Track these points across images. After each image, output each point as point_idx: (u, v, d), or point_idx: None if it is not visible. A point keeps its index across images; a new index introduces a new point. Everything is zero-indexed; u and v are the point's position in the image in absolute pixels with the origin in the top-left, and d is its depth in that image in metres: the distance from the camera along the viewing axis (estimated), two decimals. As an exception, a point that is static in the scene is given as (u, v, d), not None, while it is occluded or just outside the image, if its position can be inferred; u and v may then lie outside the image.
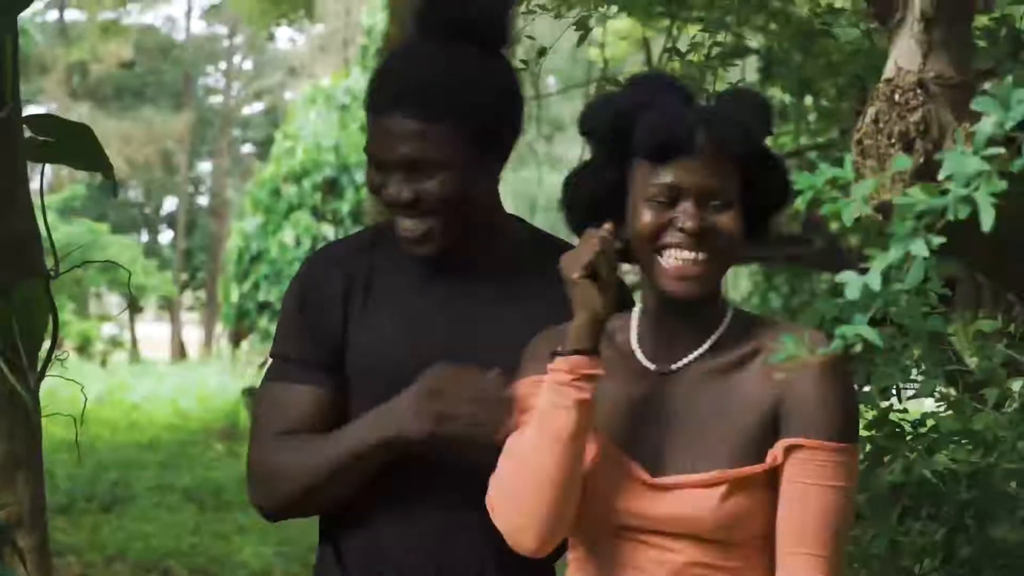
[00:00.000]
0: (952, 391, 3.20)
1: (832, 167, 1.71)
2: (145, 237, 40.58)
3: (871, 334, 1.64)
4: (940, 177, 1.67)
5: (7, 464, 3.27)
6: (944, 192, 1.63)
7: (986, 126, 1.70)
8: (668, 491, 2.14)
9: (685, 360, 2.20)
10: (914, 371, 3.06)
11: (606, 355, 2.17)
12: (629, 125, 2.15)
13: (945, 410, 3.16)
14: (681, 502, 2.13)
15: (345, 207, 21.45)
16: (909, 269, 1.65)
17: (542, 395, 2.14)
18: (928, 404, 3.23)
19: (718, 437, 2.15)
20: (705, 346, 2.20)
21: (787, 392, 2.13)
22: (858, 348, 1.64)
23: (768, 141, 2.23)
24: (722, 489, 2.12)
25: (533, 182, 23.02)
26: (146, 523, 9.94)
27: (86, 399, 3.14)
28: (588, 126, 2.23)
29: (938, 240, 1.62)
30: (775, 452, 2.13)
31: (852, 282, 1.66)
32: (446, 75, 2.39)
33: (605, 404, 2.18)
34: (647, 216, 2.13)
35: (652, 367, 2.22)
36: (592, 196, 2.21)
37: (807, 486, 2.11)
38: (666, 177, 2.12)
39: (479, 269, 2.49)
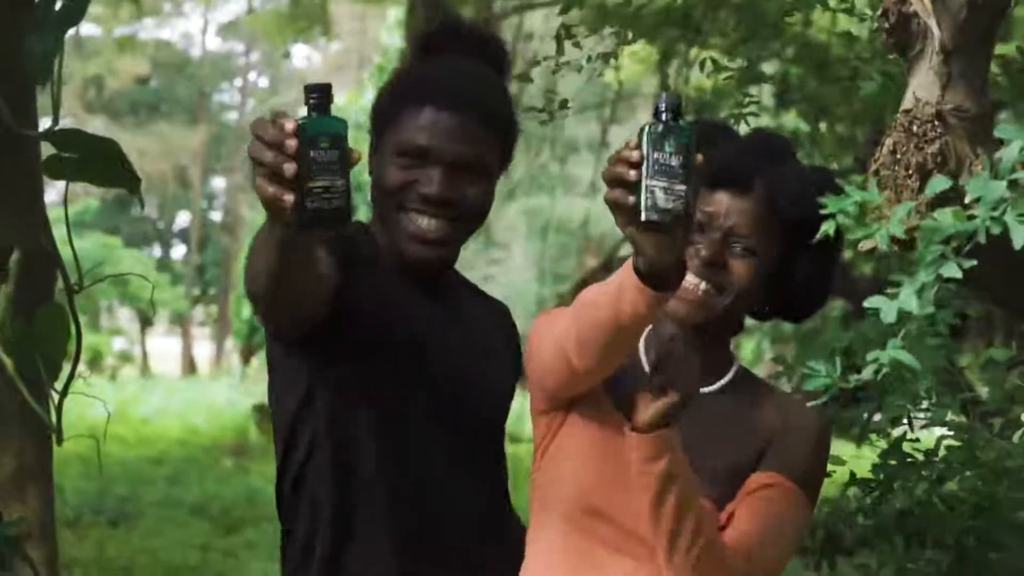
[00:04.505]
0: (963, 419, 3.20)
1: (858, 191, 1.71)
2: (158, 252, 40.61)
3: (908, 358, 1.63)
4: (967, 201, 1.67)
5: (18, 477, 3.29)
6: (971, 217, 1.64)
7: (1012, 152, 1.71)
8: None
9: (711, 388, 2.25)
10: (925, 401, 3.06)
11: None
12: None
13: (955, 438, 3.16)
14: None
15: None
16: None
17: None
18: (938, 432, 3.23)
19: (726, 456, 2.23)
20: (725, 379, 2.28)
21: (778, 439, 2.23)
22: (884, 372, 1.64)
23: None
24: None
25: (547, 205, 23.01)
26: (154, 538, 9.92)
27: (109, 415, 3.09)
28: None
29: (969, 263, 1.63)
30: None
31: (887, 306, 1.66)
32: (497, 90, 2.41)
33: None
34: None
35: None
36: None
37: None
38: (708, 206, 2.18)
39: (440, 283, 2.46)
